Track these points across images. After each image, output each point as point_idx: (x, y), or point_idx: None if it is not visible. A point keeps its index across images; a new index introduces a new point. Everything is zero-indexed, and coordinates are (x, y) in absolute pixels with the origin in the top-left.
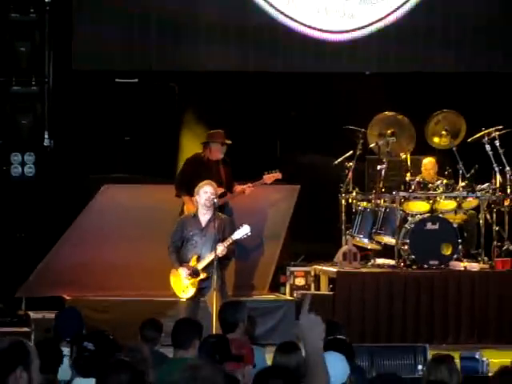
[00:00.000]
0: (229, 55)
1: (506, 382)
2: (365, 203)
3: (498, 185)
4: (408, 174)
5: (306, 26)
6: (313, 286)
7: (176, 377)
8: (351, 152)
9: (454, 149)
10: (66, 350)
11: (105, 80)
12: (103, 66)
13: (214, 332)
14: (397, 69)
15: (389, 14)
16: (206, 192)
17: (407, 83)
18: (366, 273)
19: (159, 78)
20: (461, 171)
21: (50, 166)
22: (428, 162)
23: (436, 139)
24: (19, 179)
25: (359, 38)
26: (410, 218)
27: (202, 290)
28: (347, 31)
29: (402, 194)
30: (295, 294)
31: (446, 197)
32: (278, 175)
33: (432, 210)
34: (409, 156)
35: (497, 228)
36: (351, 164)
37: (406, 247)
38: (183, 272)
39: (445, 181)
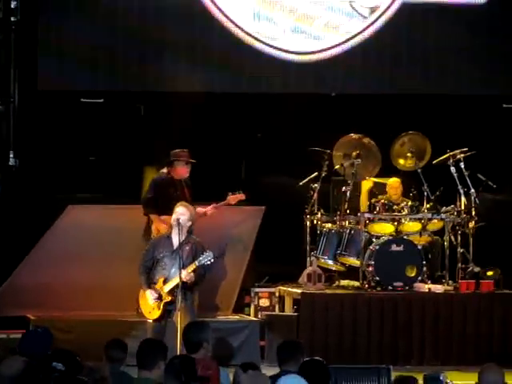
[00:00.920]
0: (195, 76)
1: None
2: (329, 224)
3: (462, 207)
4: (373, 196)
5: (271, 47)
6: (277, 306)
7: None
8: (316, 173)
9: (419, 171)
10: None
11: (70, 100)
12: (69, 85)
13: (178, 353)
14: (362, 90)
15: (354, 36)
16: (175, 212)
17: (373, 105)
18: (331, 294)
19: (125, 98)
20: (426, 193)
21: (15, 185)
22: (392, 184)
23: (401, 161)
24: None
25: (325, 59)
26: (374, 240)
27: (169, 311)
28: (313, 52)
29: (366, 215)
30: (260, 315)
31: (410, 219)
32: (241, 196)
33: (397, 232)
34: (373, 179)
35: (461, 250)
36: (316, 185)
37: (371, 269)
38: (149, 295)
39: (410, 202)
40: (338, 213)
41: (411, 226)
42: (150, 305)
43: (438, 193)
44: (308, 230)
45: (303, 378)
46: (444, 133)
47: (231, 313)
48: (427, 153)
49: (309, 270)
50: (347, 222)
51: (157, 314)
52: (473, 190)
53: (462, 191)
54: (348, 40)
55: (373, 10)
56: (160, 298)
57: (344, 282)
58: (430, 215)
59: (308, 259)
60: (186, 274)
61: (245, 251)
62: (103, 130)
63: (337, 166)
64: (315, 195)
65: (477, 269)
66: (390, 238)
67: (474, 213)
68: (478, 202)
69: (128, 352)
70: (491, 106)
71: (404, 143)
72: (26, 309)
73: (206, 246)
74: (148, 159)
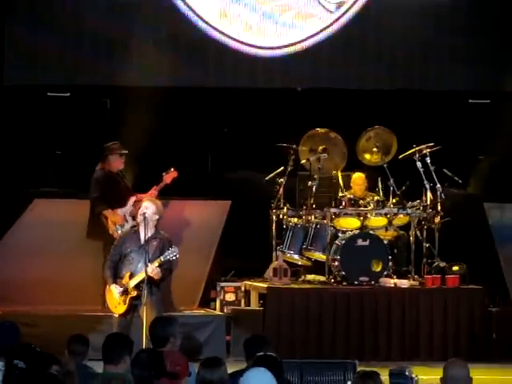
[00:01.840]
0: (161, 70)
1: None
2: (295, 219)
3: (428, 202)
4: (339, 190)
5: (238, 41)
6: (243, 301)
7: None
8: (282, 168)
9: (385, 165)
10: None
11: (36, 94)
12: (35, 79)
13: (144, 347)
14: (329, 85)
15: (321, 31)
16: (147, 208)
17: (339, 100)
18: (297, 289)
19: (91, 92)
20: (392, 188)
21: None
22: (358, 179)
23: (367, 156)
24: None
25: (292, 54)
26: (340, 235)
27: (135, 306)
28: (280, 47)
29: (332, 210)
30: (225, 310)
31: (376, 213)
32: (174, 173)
33: (362, 227)
34: (340, 173)
35: (427, 245)
36: (282, 180)
37: (337, 263)
38: (114, 289)
39: (375, 197)
40: (304, 207)
41: (377, 221)
42: (115, 299)
43: (403, 188)
44: (274, 224)
45: None
46: (410, 128)
47: (197, 307)
48: (393, 148)
49: (275, 264)
50: (313, 217)
51: (123, 308)
52: (439, 185)
53: (427, 186)
54: (314, 35)
55: (339, 4)
56: (126, 292)
57: (310, 277)
58: (395, 210)
59: (274, 254)
60: (153, 269)
61: (211, 245)
62: (69, 123)
63: (303, 161)
64: (281, 190)
65: (442, 264)
66: (356, 232)
67: (439, 208)
68: (443, 196)
69: (94, 346)
70: (457, 101)
71: (370, 138)
72: None
73: (173, 242)
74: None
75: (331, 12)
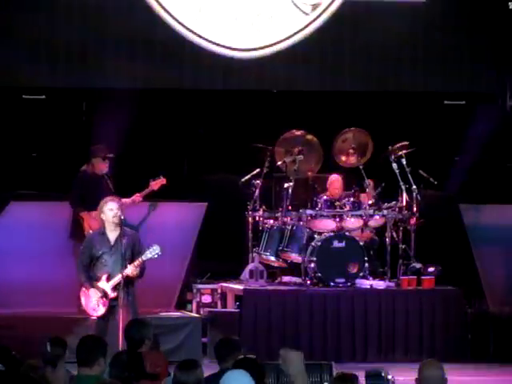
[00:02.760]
0: (136, 72)
1: None
2: (272, 221)
3: (404, 203)
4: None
5: (214, 43)
6: (219, 303)
7: None
8: (258, 170)
9: (361, 167)
10: None
11: (12, 96)
12: (10, 82)
13: (120, 349)
14: (304, 87)
15: (297, 33)
16: (111, 209)
17: (315, 101)
18: (273, 290)
19: (67, 94)
20: (368, 189)
21: None
22: (334, 180)
23: (343, 157)
24: None
25: (267, 56)
26: (316, 236)
27: (112, 308)
28: (255, 49)
29: (308, 212)
30: (202, 312)
31: (352, 215)
32: (162, 181)
33: (338, 228)
34: (316, 174)
35: (403, 246)
36: (258, 182)
37: (313, 265)
38: (94, 293)
39: (351, 199)
40: (280, 209)
41: (353, 223)
42: (94, 302)
43: (379, 189)
44: (250, 226)
45: None
46: (386, 129)
47: (173, 309)
48: (369, 149)
49: (251, 266)
50: (289, 219)
51: (102, 311)
52: (414, 187)
53: (403, 187)
54: (290, 37)
55: (315, 6)
56: (105, 295)
57: (286, 279)
58: (371, 211)
59: (250, 255)
60: (133, 269)
61: (187, 248)
62: (45, 126)
63: (279, 163)
64: (257, 192)
65: (418, 265)
66: (332, 234)
67: (415, 209)
68: (419, 198)
69: (69, 349)
70: (433, 102)
71: (346, 139)
72: None
73: (142, 236)
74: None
75: (306, 14)
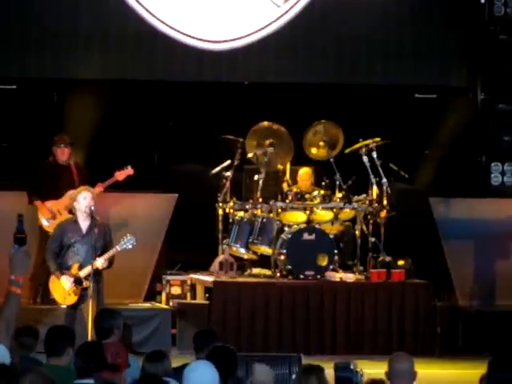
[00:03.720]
0: (108, 63)
1: None
2: (242, 213)
3: (374, 196)
4: (285, 185)
5: (185, 35)
6: (189, 295)
7: None
8: (229, 162)
9: (332, 160)
10: None
11: None
12: None
13: (89, 339)
14: (276, 79)
15: (268, 25)
16: (85, 198)
17: (286, 94)
18: (243, 282)
19: (38, 85)
20: (338, 182)
21: None
22: (304, 173)
23: (314, 150)
24: None
25: (239, 48)
26: (286, 229)
27: (82, 297)
28: (226, 41)
29: (279, 204)
30: (171, 303)
31: (322, 207)
32: (129, 171)
33: (309, 221)
34: (287, 166)
35: (373, 239)
36: (229, 174)
37: (283, 257)
38: (65, 280)
39: (322, 191)
40: (251, 201)
41: (323, 215)
42: (65, 290)
43: (349, 182)
44: (220, 218)
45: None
46: (357, 122)
47: (143, 300)
48: (340, 142)
49: (221, 258)
50: (259, 211)
51: (73, 299)
52: (385, 180)
53: (373, 181)
54: (262, 29)
55: None
56: (78, 282)
57: (256, 271)
58: (341, 204)
59: (220, 247)
60: (104, 262)
61: (157, 239)
62: (16, 116)
63: (250, 155)
64: (228, 183)
65: (388, 258)
66: (302, 226)
67: (385, 202)
68: (389, 191)
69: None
70: (403, 95)
71: (316, 132)
72: None
73: (112, 227)
74: None
75: (278, 6)
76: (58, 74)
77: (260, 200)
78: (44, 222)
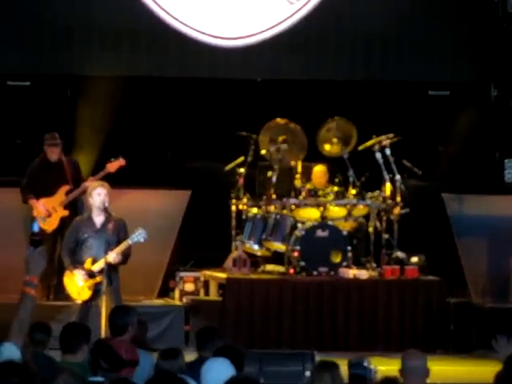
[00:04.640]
0: (121, 60)
1: None
2: (255, 209)
3: (388, 193)
4: (298, 182)
5: (198, 31)
6: (202, 291)
7: None
8: (242, 158)
9: (345, 156)
10: None
11: None
12: None
13: (103, 335)
14: (289, 76)
15: (282, 22)
16: (99, 194)
17: (299, 90)
18: (256, 279)
19: (52, 81)
20: (351, 179)
21: None
22: (319, 171)
23: (327, 147)
24: None
25: (252, 44)
26: (300, 225)
27: (97, 292)
28: (240, 38)
29: (292, 200)
30: (184, 300)
31: (336, 204)
32: (121, 162)
33: (322, 218)
34: (300, 163)
35: (386, 236)
36: (242, 170)
37: (296, 254)
38: (79, 274)
39: (335, 188)
40: (264, 198)
41: (337, 212)
42: (79, 286)
43: (363, 179)
44: (234, 214)
45: None
46: (370, 119)
47: (156, 297)
48: (353, 139)
49: (234, 254)
50: (273, 207)
51: (87, 294)
52: (398, 177)
53: (387, 177)
54: (275, 26)
55: None
56: (92, 276)
57: (269, 267)
58: (355, 201)
59: (233, 244)
60: (116, 256)
61: (170, 235)
62: (29, 113)
63: (263, 151)
64: (241, 180)
65: (401, 255)
66: (316, 223)
67: (398, 199)
68: (402, 188)
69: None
70: (417, 92)
71: (330, 129)
72: None
73: (125, 222)
74: (74, 143)
75: (291, 3)
76: (72, 70)
77: (273, 196)
78: (40, 221)
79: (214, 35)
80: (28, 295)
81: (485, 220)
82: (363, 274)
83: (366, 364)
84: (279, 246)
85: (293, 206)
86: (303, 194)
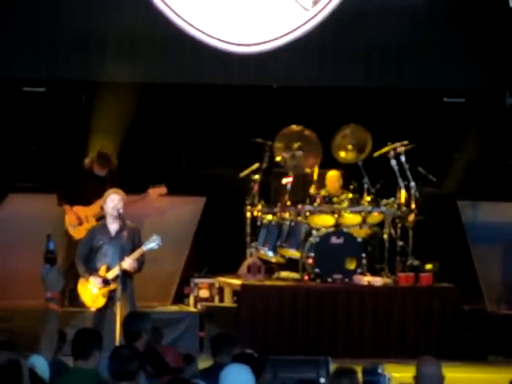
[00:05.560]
0: (136, 66)
1: None
2: (270, 216)
3: (402, 200)
4: (313, 188)
5: (214, 38)
6: (217, 298)
7: None
8: (257, 165)
9: (360, 163)
10: None
11: (12, 88)
12: (10, 73)
13: (117, 342)
14: (304, 83)
15: (297, 28)
16: (112, 200)
17: (314, 97)
18: (270, 286)
19: (67, 87)
20: (366, 186)
21: None
22: (332, 175)
23: (342, 153)
24: None
25: (267, 51)
26: (314, 232)
27: (111, 299)
28: (255, 44)
29: (307, 207)
30: (199, 306)
31: (351, 211)
32: (163, 190)
33: (337, 224)
34: (315, 170)
35: (401, 243)
36: (257, 177)
37: (311, 261)
38: (94, 281)
39: (350, 195)
40: (279, 204)
41: (351, 219)
42: (93, 293)
43: (378, 186)
44: (248, 221)
45: None
46: (385, 126)
47: (171, 303)
48: (368, 146)
49: (249, 261)
50: (288, 214)
51: (102, 301)
52: (413, 184)
53: (402, 184)
54: (290, 32)
55: (315, 2)
56: (106, 283)
57: (284, 274)
58: (370, 208)
59: (248, 251)
60: (131, 262)
61: (185, 242)
62: (44, 119)
63: (278, 158)
64: (256, 187)
65: (416, 262)
66: (330, 230)
67: (413, 206)
68: (417, 195)
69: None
70: (432, 99)
71: (345, 136)
72: None
73: (140, 230)
74: (88, 149)
75: (307, 9)
76: (87, 76)
77: (288, 203)
78: (70, 227)
79: (229, 42)
80: (52, 311)
81: (499, 227)
82: (378, 281)
83: (380, 371)
84: (294, 253)
85: (307, 213)
86: (318, 200)
